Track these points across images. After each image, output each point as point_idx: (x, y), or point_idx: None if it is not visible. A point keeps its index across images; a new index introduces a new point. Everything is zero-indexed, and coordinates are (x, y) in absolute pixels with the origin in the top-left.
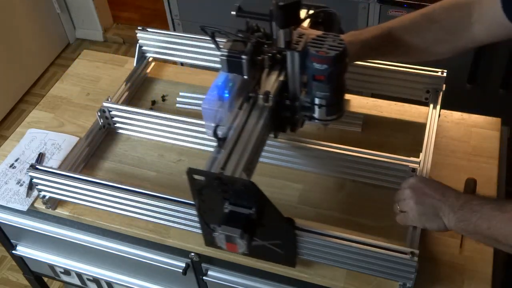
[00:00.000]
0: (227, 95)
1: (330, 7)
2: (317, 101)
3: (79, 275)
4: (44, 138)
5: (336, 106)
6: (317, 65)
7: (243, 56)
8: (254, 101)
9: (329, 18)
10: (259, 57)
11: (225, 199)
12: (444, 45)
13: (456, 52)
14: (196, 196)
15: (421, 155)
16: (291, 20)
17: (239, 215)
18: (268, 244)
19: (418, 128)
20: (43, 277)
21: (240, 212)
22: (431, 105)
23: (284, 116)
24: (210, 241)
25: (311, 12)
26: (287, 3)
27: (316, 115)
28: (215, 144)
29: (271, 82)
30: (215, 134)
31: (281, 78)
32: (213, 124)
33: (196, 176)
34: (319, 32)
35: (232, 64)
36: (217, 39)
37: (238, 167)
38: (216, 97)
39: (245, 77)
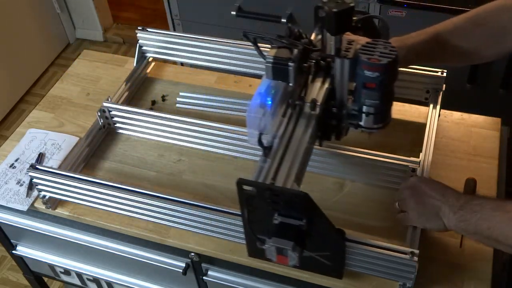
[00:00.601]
0: (269, 102)
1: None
2: (365, 109)
3: (79, 275)
4: (44, 138)
5: (384, 114)
6: (368, 73)
7: (290, 63)
8: (300, 109)
9: (368, 23)
10: (305, 64)
11: (275, 210)
12: (492, 48)
13: (505, 54)
14: (244, 207)
15: (421, 155)
16: (344, 27)
17: (290, 227)
18: (316, 255)
19: (418, 128)
20: (43, 277)
21: (291, 224)
22: (431, 105)
23: (329, 124)
24: (255, 252)
25: (355, 18)
26: (341, 10)
27: (362, 123)
28: (216, 145)
29: (316, 90)
30: (260, 142)
31: (326, 85)
32: (257, 132)
33: (245, 187)
34: (365, 39)
35: (278, 71)
36: (218, 40)
37: (289, 178)
38: (259, 105)
39: (291, 84)
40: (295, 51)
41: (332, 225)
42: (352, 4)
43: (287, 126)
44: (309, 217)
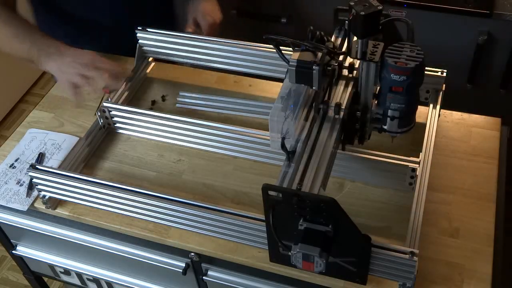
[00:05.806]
0: (291, 106)
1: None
2: (390, 113)
3: (79, 275)
4: (44, 138)
5: (409, 118)
6: (395, 77)
7: (315, 67)
8: (324, 113)
9: (389, 26)
10: (329, 68)
11: (301, 215)
12: None
13: None
14: (270, 213)
15: (421, 155)
16: (371, 30)
17: (316, 233)
18: (341, 261)
19: (418, 128)
20: (43, 277)
21: (317, 230)
22: (431, 105)
23: (353, 128)
24: (277, 258)
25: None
26: (369, 13)
27: (386, 127)
28: (216, 145)
29: (340, 93)
30: (283, 147)
31: (350, 88)
32: (279, 137)
33: (270, 192)
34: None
35: (301, 75)
36: (218, 40)
37: (316, 183)
38: (281, 108)
39: (315, 88)
40: (319, 54)
41: (359, 231)
42: (380, 7)
43: (311, 130)
44: (335, 223)
